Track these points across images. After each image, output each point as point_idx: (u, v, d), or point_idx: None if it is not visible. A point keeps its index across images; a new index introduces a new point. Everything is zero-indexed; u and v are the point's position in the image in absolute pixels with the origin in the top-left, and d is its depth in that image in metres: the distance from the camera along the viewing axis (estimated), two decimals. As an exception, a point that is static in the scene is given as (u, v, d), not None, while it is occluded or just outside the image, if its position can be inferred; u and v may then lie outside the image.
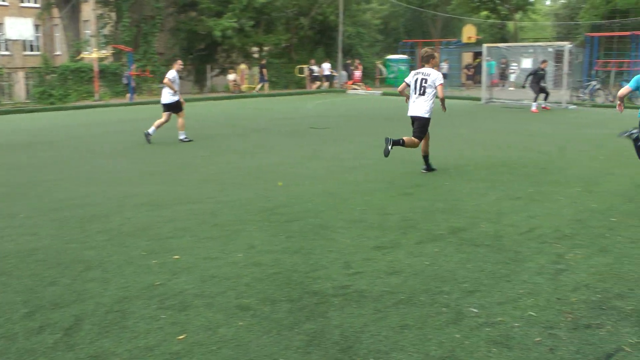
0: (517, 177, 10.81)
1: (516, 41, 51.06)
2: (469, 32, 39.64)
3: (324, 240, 7.05)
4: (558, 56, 28.04)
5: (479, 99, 30.84)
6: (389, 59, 46.57)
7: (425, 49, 11.94)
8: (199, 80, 40.78)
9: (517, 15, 57.88)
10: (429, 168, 11.49)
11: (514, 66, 41.03)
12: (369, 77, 45.90)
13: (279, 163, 12.19)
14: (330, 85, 41.02)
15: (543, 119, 22.40)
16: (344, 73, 42.16)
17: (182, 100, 16.20)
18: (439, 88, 10.97)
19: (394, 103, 29.63)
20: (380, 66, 46.88)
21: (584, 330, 4.74)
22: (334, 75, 41.58)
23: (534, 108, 25.12)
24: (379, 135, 16.51)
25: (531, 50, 39.78)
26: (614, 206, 8.79)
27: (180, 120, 16.07)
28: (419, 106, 11.18)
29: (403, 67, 43.44)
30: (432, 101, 11.13)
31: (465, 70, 44.46)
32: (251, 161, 12.52)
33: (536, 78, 25.17)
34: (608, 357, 4.35)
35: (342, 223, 7.76)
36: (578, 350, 4.42)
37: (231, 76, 38.90)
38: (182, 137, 15.96)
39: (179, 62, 16.74)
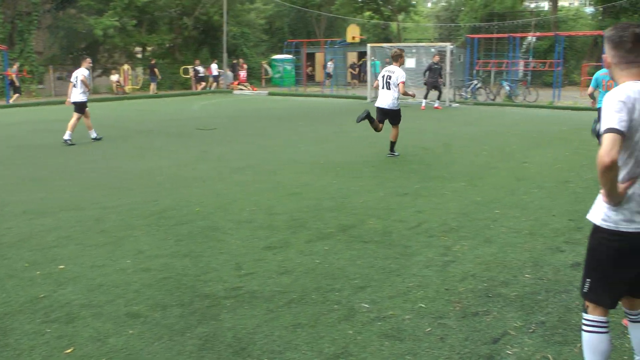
0: (403, 174, 11.02)
1: (399, 41, 52.07)
2: (353, 32, 40.03)
3: (214, 242, 6.98)
4: (440, 56, 28.77)
5: (365, 98, 31.28)
6: (274, 59, 46.62)
7: (395, 49, 13.91)
8: (81, 80, 39.62)
9: (400, 17, 59.12)
10: (393, 153, 13.14)
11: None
12: (254, 77, 45.80)
13: (166, 165, 11.99)
14: (217, 85, 40.70)
15: (427, 116, 22.94)
16: (229, 73, 41.92)
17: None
18: (400, 86, 12.75)
19: (281, 103, 29.72)
20: (266, 66, 46.86)
21: (472, 318, 4.89)
22: (220, 75, 41.25)
23: (436, 104, 26.16)
24: (267, 136, 16.54)
25: (414, 51, 40.64)
26: (497, 199, 9.09)
27: (73, 121, 15.79)
28: (384, 99, 13.06)
29: (288, 67, 43.56)
30: (396, 94, 12.91)
31: (350, 70, 45.02)
32: (137, 164, 12.25)
33: (433, 73, 26.00)
34: (495, 341, 4.50)
35: (231, 224, 7.71)
36: (467, 338, 4.55)
37: (114, 77, 38.03)
38: (67, 137, 15.55)
39: (88, 60, 16.92)
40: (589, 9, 54.32)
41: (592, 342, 3.56)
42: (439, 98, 26.63)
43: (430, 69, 26.38)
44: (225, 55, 41.28)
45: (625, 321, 4.68)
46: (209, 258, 6.41)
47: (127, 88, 38.02)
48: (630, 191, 3.37)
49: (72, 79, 16.21)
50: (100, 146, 15.20)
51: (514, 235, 7.27)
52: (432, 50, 38.05)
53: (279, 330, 4.70)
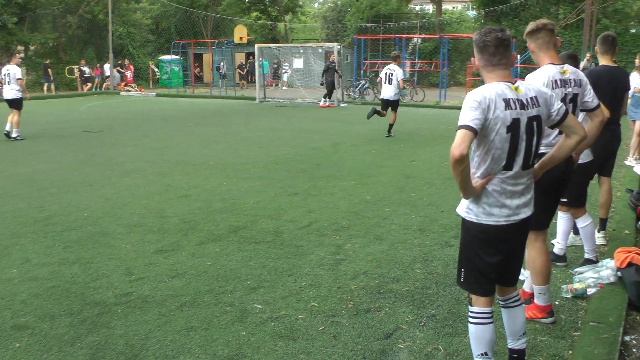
0: (293, 174, 11.08)
1: (287, 42, 52.27)
2: (240, 33, 39.87)
3: (104, 247, 6.84)
4: (328, 57, 29.18)
5: (253, 98, 31.26)
6: (161, 60, 45.95)
7: (395, 51, 17.90)
8: (-41, 81, 37.83)
9: (287, 17, 59.29)
10: (390, 134, 16.47)
11: (285, 66, 41.98)
12: (142, 78, 45.03)
13: (52, 169, 11.64)
14: (102, 87, 39.71)
15: (316, 116, 23.09)
16: (117, 74, 41.01)
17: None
18: (401, 82, 16.33)
19: (169, 104, 29.31)
20: (153, 67, 46.13)
21: (364, 315, 4.98)
22: (107, 76, 40.27)
23: (321, 103, 26.99)
24: (155, 138, 16.29)
25: (302, 51, 40.91)
26: (387, 197, 9.27)
27: (16, 118, 16.47)
28: (387, 91, 16.46)
29: (176, 68, 42.98)
30: (396, 87, 16.30)
31: (238, 70, 44.87)
32: (21, 169, 11.83)
33: (330, 72, 26.57)
34: (387, 337, 4.60)
35: (121, 229, 7.58)
36: (360, 334, 4.64)
37: (-5, 77, 36.51)
38: (15, 135, 16.55)
39: (18, 56, 17.96)
40: (472, 13, 56.01)
41: (477, 333, 3.72)
42: (329, 97, 27.17)
43: (328, 68, 26.94)
44: (111, 55, 40.37)
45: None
46: (99, 264, 6.29)
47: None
48: (489, 188, 3.59)
49: (3, 75, 16.76)
50: (-19, 151, 14.62)
51: (404, 232, 7.43)
52: (320, 50, 38.52)
53: (171, 334, 4.66)
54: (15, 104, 16.62)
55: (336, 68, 27.13)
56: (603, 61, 6.71)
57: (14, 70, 16.60)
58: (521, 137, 3.50)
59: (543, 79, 4.61)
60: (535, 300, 4.90)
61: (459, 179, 3.44)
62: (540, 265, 4.78)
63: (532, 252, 4.80)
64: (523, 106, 3.50)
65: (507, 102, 3.45)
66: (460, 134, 3.34)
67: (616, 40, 6.75)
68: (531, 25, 4.80)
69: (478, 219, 3.62)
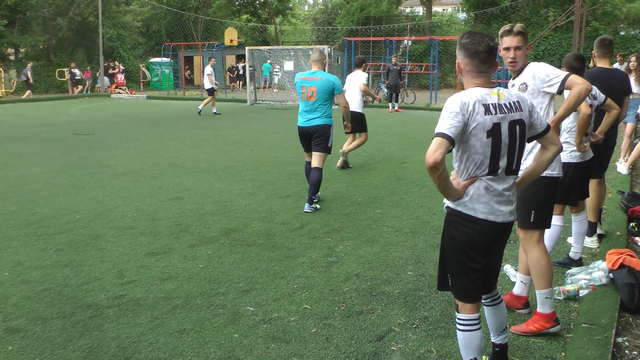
0: (284, 176, 11.09)
1: (278, 44, 52.28)
2: (230, 35, 39.84)
3: (96, 250, 6.83)
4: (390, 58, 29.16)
5: (244, 101, 31.27)
6: (152, 62, 45.91)
7: (358, 56, 15.05)
8: (-51, 84, 37.65)
9: (278, 19, 59.36)
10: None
11: (276, 69, 41.98)
12: (132, 81, 44.96)
13: (42, 172, 11.59)
14: (86, 88, 39.46)
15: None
16: (106, 77, 40.92)
17: None
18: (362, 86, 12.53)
19: (160, 107, 29.28)
20: (144, 69, 46.05)
21: (357, 317, 4.98)
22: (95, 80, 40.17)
23: (389, 108, 26.83)
24: (146, 140, 16.25)
25: (292, 53, 40.92)
26: (378, 199, 9.28)
27: (206, 100, 24.58)
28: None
29: (166, 71, 42.94)
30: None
31: (229, 73, 44.86)
32: (11, 171, 11.77)
33: (393, 75, 26.39)
34: (380, 339, 4.60)
35: (113, 231, 7.56)
36: (352, 336, 4.63)
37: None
38: (214, 110, 24.75)
39: (213, 60, 25.33)
40: (462, 15, 56.22)
41: (465, 340, 3.72)
42: (396, 101, 26.91)
43: (389, 70, 26.60)
44: (101, 57, 40.30)
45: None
46: (91, 267, 6.27)
47: (0, 92, 36.48)
48: (470, 190, 3.57)
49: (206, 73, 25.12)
50: (-30, 154, 14.55)
51: (396, 234, 7.44)
52: (311, 53, 38.46)
53: (164, 337, 4.65)
54: (210, 92, 24.44)
55: (400, 72, 27.01)
56: (600, 64, 6.79)
57: (207, 69, 24.42)
58: (503, 141, 3.48)
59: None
60: (539, 309, 4.68)
61: (437, 184, 3.43)
62: (545, 265, 4.63)
63: (534, 253, 4.68)
64: (504, 111, 3.49)
65: (487, 107, 3.44)
66: (435, 142, 3.32)
67: (613, 44, 6.83)
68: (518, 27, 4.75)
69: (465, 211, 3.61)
